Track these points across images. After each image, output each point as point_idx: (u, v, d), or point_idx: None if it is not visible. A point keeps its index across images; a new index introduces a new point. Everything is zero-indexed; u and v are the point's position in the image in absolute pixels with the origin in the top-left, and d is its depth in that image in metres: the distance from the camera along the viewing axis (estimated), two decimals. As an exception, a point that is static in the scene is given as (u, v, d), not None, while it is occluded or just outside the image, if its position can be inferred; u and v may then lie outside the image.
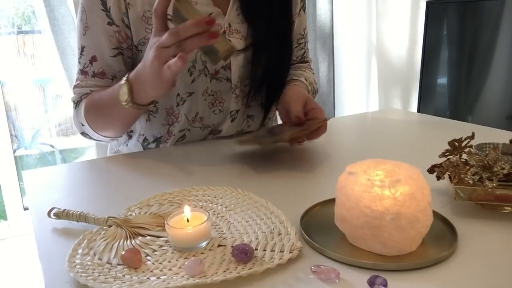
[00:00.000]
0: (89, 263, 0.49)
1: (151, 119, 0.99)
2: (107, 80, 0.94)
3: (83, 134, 0.98)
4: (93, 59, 0.93)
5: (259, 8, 0.96)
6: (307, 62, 1.17)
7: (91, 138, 0.99)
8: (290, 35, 1.02)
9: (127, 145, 1.05)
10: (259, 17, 0.96)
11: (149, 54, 0.76)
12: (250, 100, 1.00)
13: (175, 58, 0.70)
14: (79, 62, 0.94)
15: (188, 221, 0.53)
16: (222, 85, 0.97)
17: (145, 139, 1.01)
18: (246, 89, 0.99)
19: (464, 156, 0.62)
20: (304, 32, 1.13)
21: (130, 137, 1.05)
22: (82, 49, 0.93)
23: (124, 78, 0.82)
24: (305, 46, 1.15)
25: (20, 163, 2.56)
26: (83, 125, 0.94)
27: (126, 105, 0.82)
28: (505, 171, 0.56)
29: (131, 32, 0.92)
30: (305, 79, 1.07)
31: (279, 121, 1.21)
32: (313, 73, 1.17)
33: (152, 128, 0.99)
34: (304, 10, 1.10)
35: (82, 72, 0.94)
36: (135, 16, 0.90)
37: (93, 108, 0.92)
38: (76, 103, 0.95)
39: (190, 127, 0.98)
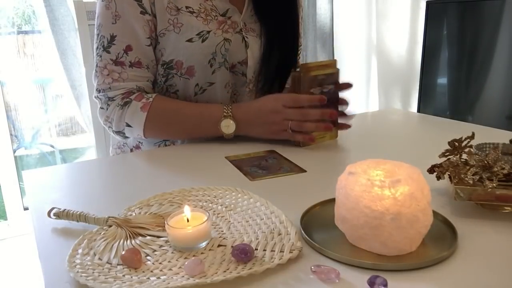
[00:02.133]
0: (89, 263, 0.49)
1: None
2: (144, 70, 0.94)
3: (119, 133, 0.97)
4: (128, 49, 0.92)
5: (271, 10, 1.01)
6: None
7: (124, 136, 0.98)
8: (298, 36, 1.08)
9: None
10: (271, 19, 1.01)
11: (270, 115, 0.90)
12: (261, 95, 1.04)
13: (303, 136, 0.89)
14: (108, 52, 0.92)
15: (188, 221, 0.53)
16: (238, 79, 1.01)
17: None
18: (259, 84, 1.04)
19: (464, 156, 0.62)
20: (302, 40, 1.20)
21: None
22: (112, 38, 0.91)
23: (228, 113, 0.91)
24: (301, 52, 1.22)
25: (20, 163, 2.55)
26: (129, 126, 0.93)
27: (227, 136, 0.92)
28: (505, 171, 0.56)
29: (156, 22, 0.93)
30: None
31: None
32: None
33: None
34: (301, 18, 1.17)
35: (117, 62, 0.92)
36: (161, 6, 0.92)
37: (164, 122, 0.94)
38: (124, 103, 0.92)
39: None
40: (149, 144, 1.04)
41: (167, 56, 0.95)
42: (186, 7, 0.93)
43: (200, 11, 0.94)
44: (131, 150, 1.06)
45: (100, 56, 0.93)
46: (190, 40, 0.93)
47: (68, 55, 2.11)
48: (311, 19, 2.62)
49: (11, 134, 2.38)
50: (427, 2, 1.99)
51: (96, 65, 0.95)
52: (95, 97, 0.97)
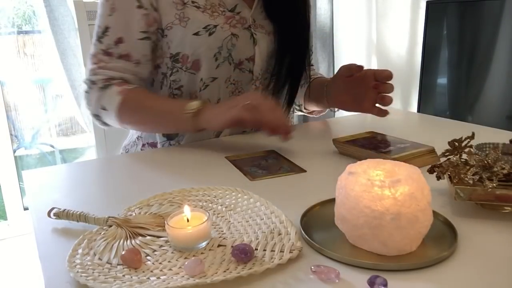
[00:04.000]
0: (89, 263, 0.49)
1: None
2: (131, 64, 0.95)
3: (97, 116, 0.97)
4: (119, 41, 0.93)
5: (281, 8, 1.01)
6: (312, 64, 1.24)
7: (102, 121, 0.98)
8: (308, 35, 1.07)
9: None
10: (280, 16, 1.01)
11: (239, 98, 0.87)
12: (269, 93, 1.04)
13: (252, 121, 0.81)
14: (101, 42, 0.94)
15: (188, 221, 0.53)
16: (244, 76, 1.01)
17: None
18: (265, 82, 1.04)
19: (464, 156, 0.62)
20: (313, 40, 1.21)
21: None
22: (105, 29, 0.93)
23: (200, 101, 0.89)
24: (313, 52, 1.23)
25: (20, 163, 2.55)
26: (105, 109, 0.94)
27: (188, 112, 0.86)
28: (505, 171, 0.56)
29: (159, 16, 0.94)
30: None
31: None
32: None
33: None
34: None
35: (106, 53, 0.94)
36: (166, 0, 0.93)
37: (137, 106, 0.93)
38: (104, 86, 0.93)
39: None
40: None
41: (173, 48, 0.96)
42: (192, 2, 0.94)
43: (206, 7, 0.94)
44: (143, 146, 1.07)
45: (94, 45, 0.95)
46: (197, 34, 0.93)
47: (68, 55, 2.11)
48: (311, 19, 2.63)
49: (11, 134, 2.38)
50: (427, 2, 1.98)
51: (90, 52, 0.97)
52: (83, 81, 0.98)
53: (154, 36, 0.96)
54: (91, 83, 0.95)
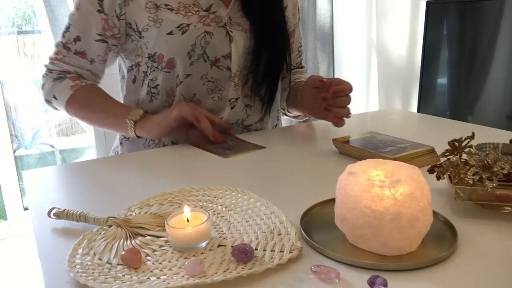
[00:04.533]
0: (89, 263, 0.49)
1: (153, 100, 1.03)
2: (86, 61, 1.01)
3: (48, 102, 1.04)
4: (77, 39, 1.00)
5: (258, 6, 1.02)
6: (303, 67, 1.25)
7: (53, 106, 1.05)
8: (286, 34, 1.08)
9: None
10: (257, 14, 1.02)
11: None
12: (248, 90, 1.05)
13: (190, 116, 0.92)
14: (63, 36, 1.01)
15: (188, 221, 0.53)
16: (223, 74, 1.01)
17: None
18: (245, 78, 1.04)
19: (464, 156, 0.62)
20: (301, 42, 1.22)
21: None
22: (69, 26, 1.00)
23: (139, 110, 0.97)
24: (302, 54, 1.23)
25: (20, 163, 2.56)
26: (55, 98, 1.01)
27: (129, 119, 0.95)
28: (505, 171, 0.56)
29: (120, 21, 0.98)
30: None
31: (283, 121, 1.24)
32: None
33: (155, 110, 1.03)
34: (299, 20, 1.19)
35: (65, 46, 1.01)
36: (138, 7, 0.96)
37: (84, 104, 1.01)
38: (58, 77, 1.00)
39: None
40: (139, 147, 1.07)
41: (150, 49, 0.98)
42: (165, 5, 0.96)
43: (180, 9, 0.97)
44: (121, 143, 1.09)
45: (60, 37, 1.02)
46: (170, 33, 0.95)
47: (68, 55, 2.11)
48: (311, 19, 2.62)
49: (11, 134, 2.38)
50: (427, 2, 1.99)
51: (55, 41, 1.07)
52: (43, 65, 1.05)
53: (112, 40, 1.00)
54: (48, 70, 1.02)
